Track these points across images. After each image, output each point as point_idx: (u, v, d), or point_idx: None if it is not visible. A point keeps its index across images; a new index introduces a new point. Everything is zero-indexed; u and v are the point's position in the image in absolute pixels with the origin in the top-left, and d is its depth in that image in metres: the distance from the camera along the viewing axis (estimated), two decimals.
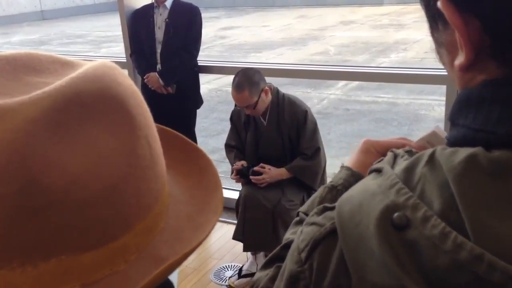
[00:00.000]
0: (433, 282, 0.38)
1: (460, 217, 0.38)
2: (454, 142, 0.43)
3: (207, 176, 0.60)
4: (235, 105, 2.94)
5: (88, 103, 0.44)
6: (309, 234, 0.48)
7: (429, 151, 0.43)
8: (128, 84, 0.50)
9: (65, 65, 0.50)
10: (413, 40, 11.25)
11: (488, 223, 0.37)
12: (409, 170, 0.43)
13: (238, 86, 2.76)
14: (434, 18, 0.45)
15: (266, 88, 2.82)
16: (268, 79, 2.94)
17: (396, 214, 0.40)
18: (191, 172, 0.60)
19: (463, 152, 0.40)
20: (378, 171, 0.47)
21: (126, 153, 0.46)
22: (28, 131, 0.41)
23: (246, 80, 2.76)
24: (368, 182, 0.46)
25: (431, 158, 0.42)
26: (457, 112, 0.44)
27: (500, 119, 0.40)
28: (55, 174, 0.41)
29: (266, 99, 2.83)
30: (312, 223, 0.49)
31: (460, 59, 0.43)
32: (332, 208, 0.48)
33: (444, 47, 0.46)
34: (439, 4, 0.42)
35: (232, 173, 2.96)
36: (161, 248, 0.49)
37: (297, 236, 0.51)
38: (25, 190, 0.40)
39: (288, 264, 0.50)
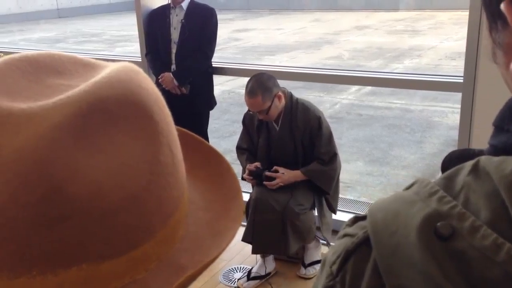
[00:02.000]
0: None
1: (510, 230, 0.36)
2: (502, 148, 0.41)
3: (227, 182, 0.59)
4: (248, 111, 2.95)
5: (112, 109, 0.44)
6: (341, 245, 0.46)
7: (470, 162, 0.41)
8: (151, 89, 0.49)
9: (87, 67, 0.49)
10: (427, 47, 11.19)
11: None
12: (449, 179, 0.41)
13: (251, 92, 2.77)
14: (494, 17, 0.44)
15: (279, 93, 2.82)
16: (281, 82, 2.95)
17: (440, 223, 0.38)
18: (211, 177, 0.59)
19: None
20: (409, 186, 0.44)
21: (149, 161, 0.45)
22: (51, 138, 0.40)
23: (259, 85, 2.76)
24: (401, 192, 0.44)
25: (475, 167, 0.40)
26: (508, 117, 0.42)
27: None
28: (78, 182, 0.40)
29: (279, 104, 2.83)
30: (344, 235, 0.47)
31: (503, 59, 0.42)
32: (364, 218, 0.46)
33: (501, 48, 0.44)
34: (502, 6, 0.40)
35: (243, 173, 2.97)
36: (180, 257, 0.48)
37: (329, 249, 0.49)
38: (48, 198, 0.40)
39: (320, 278, 0.47)
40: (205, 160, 0.61)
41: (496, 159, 0.39)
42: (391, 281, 0.40)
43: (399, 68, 9.54)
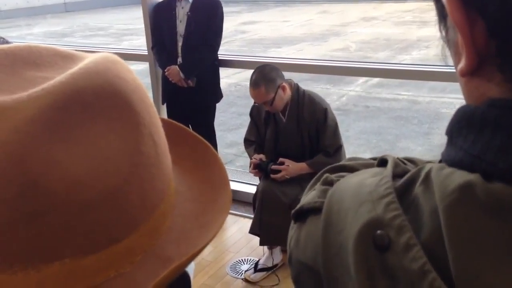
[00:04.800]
0: None
1: (445, 255, 0.33)
2: (450, 164, 0.37)
3: (214, 171, 0.58)
4: (255, 103, 2.95)
5: (89, 100, 0.42)
6: (307, 198, 0.47)
7: (427, 166, 0.38)
8: (131, 78, 0.48)
9: (66, 58, 0.48)
10: (436, 38, 11.03)
11: (477, 271, 0.31)
12: (408, 184, 0.38)
13: (254, 83, 2.79)
14: (442, 12, 0.38)
15: (284, 84, 2.81)
16: (288, 74, 2.94)
17: (379, 232, 0.36)
18: (198, 167, 0.58)
19: (459, 178, 0.34)
20: (384, 162, 0.43)
21: (130, 152, 0.44)
22: (26, 132, 0.39)
23: (262, 77, 2.78)
24: (368, 179, 0.41)
25: (427, 177, 0.37)
26: (456, 131, 0.37)
27: (502, 149, 0.33)
28: (56, 176, 0.40)
29: (283, 95, 2.83)
30: (320, 183, 0.48)
31: (461, 64, 0.36)
32: (331, 184, 0.45)
33: (452, 47, 0.39)
34: None
35: (250, 166, 2.98)
36: (167, 248, 0.47)
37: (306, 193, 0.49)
38: (25, 193, 0.39)
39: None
40: (191, 150, 0.60)
41: (444, 171, 0.36)
42: (329, 283, 0.40)
43: (407, 60, 9.48)
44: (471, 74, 0.36)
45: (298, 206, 0.47)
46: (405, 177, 0.39)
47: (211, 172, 0.58)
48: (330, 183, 0.48)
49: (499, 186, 0.32)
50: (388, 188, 0.38)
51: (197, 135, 0.62)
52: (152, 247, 0.47)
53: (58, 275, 0.42)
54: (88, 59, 0.46)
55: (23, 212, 0.39)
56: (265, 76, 2.78)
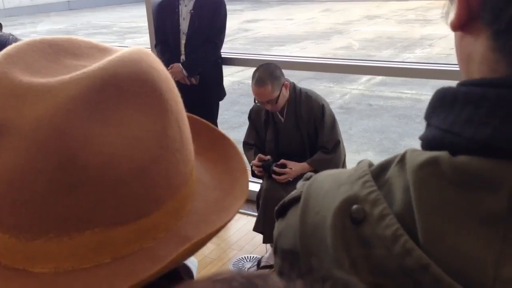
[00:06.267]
0: (381, 284, 0.36)
1: (415, 224, 0.36)
2: (425, 144, 0.40)
3: (234, 163, 0.61)
4: (255, 102, 2.94)
5: (123, 85, 0.46)
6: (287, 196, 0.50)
7: (404, 151, 0.41)
8: (161, 69, 0.52)
9: (102, 51, 0.52)
10: (439, 36, 11.08)
11: (441, 232, 0.35)
12: (383, 168, 0.41)
13: (260, 80, 2.76)
14: None
15: (286, 82, 2.82)
16: (291, 72, 2.94)
17: (355, 207, 0.39)
18: (219, 159, 0.62)
19: (427, 154, 0.37)
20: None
21: (158, 135, 0.48)
22: (68, 109, 0.43)
23: (269, 74, 2.76)
24: (343, 171, 0.45)
25: (402, 159, 0.40)
26: (431, 112, 0.41)
27: (468, 121, 0.36)
28: (92, 151, 0.43)
29: (286, 93, 2.83)
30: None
31: (452, 16, 0.38)
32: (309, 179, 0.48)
33: (454, 3, 0.40)
34: None
35: (250, 167, 2.98)
36: (187, 229, 0.51)
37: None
38: (64, 165, 0.42)
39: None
40: (214, 143, 0.64)
41: (418, 152, 0.39)
42: (305, 259, 0.41)
43: (410, 58, 9.45)
44: (461, 28, 0.38)
45: (280, 203, 0.50)
46: (381, 162, 0.42)
47: (231, 163, 0.62)
48: (309, 178, 0.51)
49: (462, 158, 0.35)
50: (364, 171, 0.41)
51: (219, 129, 0.66)
52: (174, 226, 0.50)
53: (89, 243, 0.45)
54: (123, 50, 0.51)
55: (62, 182, 0.43)
56: (271, 74, 2.77)
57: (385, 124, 6.24)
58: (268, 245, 3.02)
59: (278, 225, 0.50)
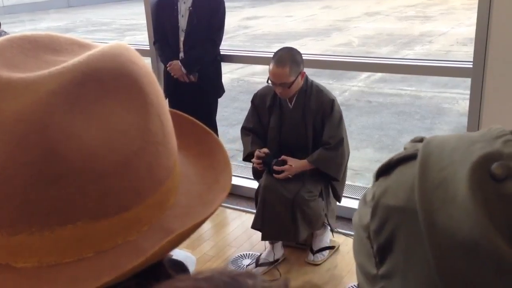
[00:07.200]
0: None
1: None
2: None
3: (218, 157, 0.62)
4: (267, 83, 2.83)
5: (104, 79, 0.46)
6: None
7: None
8: (142, 64, 0.52)
9: (82, 47, 0.52)
10: (438, 33, 11.06)
11: None
12: None
13: (280, 61, 2.71)
14: None
15: (303, 72, 2.79)
16: None
17: (496, 163, 0.37)
18: (203, 153, 0.62)
19: None
20: None
21: (140, 128, 0.48)
22: (48, 103, 0.43)
23: (290, 57, 2.72)
24: (467, 133, 0.42)
25: None
26: None
27: None
28: (74, 145, 0.43)
29: (300, 83, 2.80)
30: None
31: None
32: (421, 140, 0.46)
33: None
34: None
35: (245, 154, 2.97)
36: (172, 222, 0.51)
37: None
38: (46, 158, 0.42)
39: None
40: (198, 138, 0.64)
41: None
42: (426, 214, 0.39)
43: (410, 55, 9.45)
44: None
45: (385, 161, 0.48)
46: None
47: (215, 157, 0.62)
48: (420, 140, 0.48)
49: None
50: (502, 131, 0.40)
51: (203, 125, 0.66)
52: (158, 220, 0.50)
53: (70, 237, 0.45)
54: (104, 45, 0.51)
55: (43, 175, 0.43)
56: (293, 57, 2.73)
57: (384, 121, 6.23)
58: (267, 243, 3.01)
59: (381, 184, 0.47)
